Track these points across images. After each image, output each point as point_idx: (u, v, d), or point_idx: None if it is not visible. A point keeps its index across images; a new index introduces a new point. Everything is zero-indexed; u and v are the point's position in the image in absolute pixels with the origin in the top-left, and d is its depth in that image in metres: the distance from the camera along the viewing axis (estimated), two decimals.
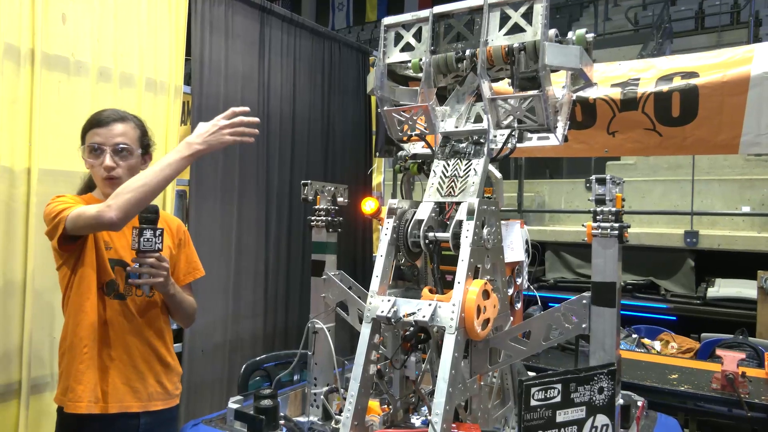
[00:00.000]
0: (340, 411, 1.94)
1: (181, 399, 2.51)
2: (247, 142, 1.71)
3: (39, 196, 2.20)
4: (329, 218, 2.22)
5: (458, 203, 1.65)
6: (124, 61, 2.56)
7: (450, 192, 1.70)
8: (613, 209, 1.67)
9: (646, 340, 3.97)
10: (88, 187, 1.87)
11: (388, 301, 1.58)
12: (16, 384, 2.17)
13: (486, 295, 1.53)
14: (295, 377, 2.56)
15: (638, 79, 2.91)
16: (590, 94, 2.93)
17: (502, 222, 2.31)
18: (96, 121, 1.74)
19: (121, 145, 1.74)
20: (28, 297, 2.18)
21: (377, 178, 4.73)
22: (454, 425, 1.46)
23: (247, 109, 1.70)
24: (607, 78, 2.99)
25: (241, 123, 1.68)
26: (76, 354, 1.68)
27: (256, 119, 1.71)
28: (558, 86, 1.80)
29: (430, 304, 1.51)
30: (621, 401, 1.80)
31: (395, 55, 1.85)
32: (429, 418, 1.41)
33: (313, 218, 2.24)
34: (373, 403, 1.84)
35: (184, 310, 1.89)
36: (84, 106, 2.39)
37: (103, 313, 1.72)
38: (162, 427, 1.85)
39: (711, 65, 2.74)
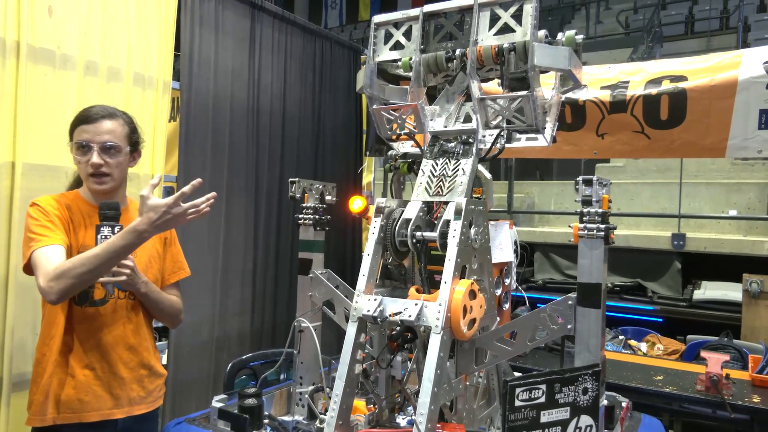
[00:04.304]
0: (326, 410, 1.93)
1: (166, 397, 2.48)
2: (204, 215, 1.63)
3: (23, 190, 2.17)
4: (317, 216, 2.21)
5: (446, 203, 1.64)
6: (111, 55, 2.53)
7: (438, 191, 1.70)
8: (600, 210, 1.68)
9: (632, 342, 4.00)
10: (77, 182, 1.85)
11: (375, 300, 1.58)
12: None
13: (472, 295, 1.53)
14: (282, 376, 2.55)
15: (627, 82, 2.93)
16: (580, 96, 2.94)
17: (491, 222, 2.31)
18: (84, 118, 1.71)
19: (109, 143, 1.71)
20: (11, 292, 2.15)
21: (367, 177, 4.72)
22: (439, 425, 1.46)
23: (199, 181, 1.60)
24: (597, 80, 3.00)
25: (194, 206, 1.58)
26: (47, 368, 1.67)
27: (213, 194, 1.62)
28: (548, 88, 1.81)
29: (416, 304, 1.51)
30: (605, 402, 1.80)
31: (385, 54, 1.84)
32: (414, 417, 1.40)
33: (300, 216, 2.23)
34: (359, 403, 1.83)
35: (162, 310, 1.85)
36: (70, 100, 2.36)
37: (76, 324, 1.70)
38: (141, 425, 1.83)
39: (699, 69, 2.76)
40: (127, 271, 1.67)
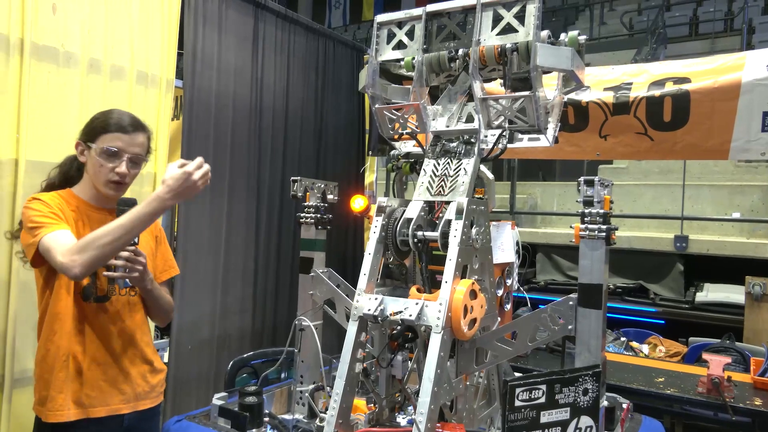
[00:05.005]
0: (326, 409, 1.93)
1: (167, 395, 2.48)
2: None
3: (26, 188, 2.17)
4: (318, 215, 2.21)
5: (448, 202, 1.64)
6: (114, 53, 2.54)
7: (440, 191, 1.70)
8: (601, 211, 1.68)
9: (634, 344, 3.98)
10: (64, 180, 1.82)
11: (376, 299, 1.58)
12: None
13: (473, 294, 1.53)
14: (283, 375, 2.55)
15: (631, 84, 2.92)
16: (583, 97, 2.94)
17: (493, 223, 2.30)
18: (120, 126, 1.71)
19: (139, 156, 1.75)
20: (13, 290, 2.16)
21: (370, 177, 4.72)
22: (439, 425, 1.46)
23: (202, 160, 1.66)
24: (601, 82, 3.00)
25: (208, 171, 1.63)
26: (54, 363, 1.66)
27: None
28: (550, 88, 1.80)
29: (417, 303, 1.51)
30: (605, 403, 1.80)
31: (388, 53, 1.84)
32: (414, 417, 1.40)
33: (302, 215, 2.23)
34: (359, 402, 1.83)
35: (160, 307, 1.87)
36: (73, 97, 2.36)
37: (82, 319, 1.70)
38: (146, 422, 1.84)
39: (703, 71, 2.75)
40: (141, 267, 1.68)
